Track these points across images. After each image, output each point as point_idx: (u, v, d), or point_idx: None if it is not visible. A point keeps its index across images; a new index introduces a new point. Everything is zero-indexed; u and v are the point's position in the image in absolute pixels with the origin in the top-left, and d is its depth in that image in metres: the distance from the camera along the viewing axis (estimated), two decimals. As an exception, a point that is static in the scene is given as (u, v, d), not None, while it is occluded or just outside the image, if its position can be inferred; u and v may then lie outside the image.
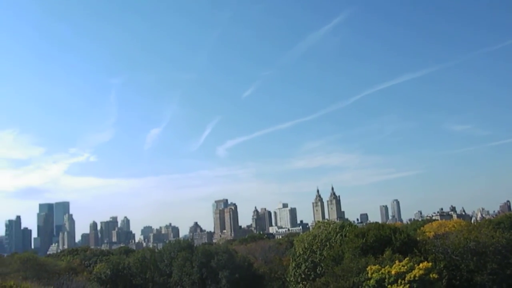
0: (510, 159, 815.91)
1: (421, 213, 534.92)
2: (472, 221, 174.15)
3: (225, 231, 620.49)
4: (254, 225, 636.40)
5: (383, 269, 52.03)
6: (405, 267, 51.62)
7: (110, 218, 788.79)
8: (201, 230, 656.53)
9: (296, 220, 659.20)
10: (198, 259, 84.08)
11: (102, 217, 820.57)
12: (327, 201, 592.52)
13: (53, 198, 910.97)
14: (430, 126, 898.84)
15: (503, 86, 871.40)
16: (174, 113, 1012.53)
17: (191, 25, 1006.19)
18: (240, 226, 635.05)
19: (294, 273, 70.57)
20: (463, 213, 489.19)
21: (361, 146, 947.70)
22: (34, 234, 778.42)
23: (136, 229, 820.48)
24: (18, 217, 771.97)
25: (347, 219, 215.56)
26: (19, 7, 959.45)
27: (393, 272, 51.22)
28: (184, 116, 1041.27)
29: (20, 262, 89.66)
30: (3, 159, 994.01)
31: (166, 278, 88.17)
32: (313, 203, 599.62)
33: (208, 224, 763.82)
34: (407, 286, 49.92)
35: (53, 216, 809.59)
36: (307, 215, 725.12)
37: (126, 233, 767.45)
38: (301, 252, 71.38)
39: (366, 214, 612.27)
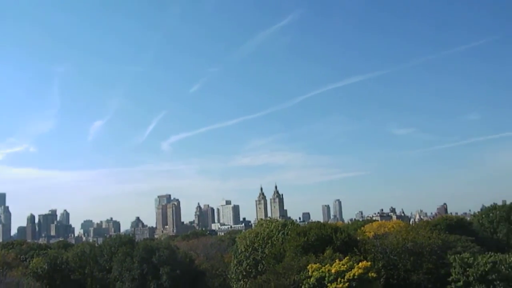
0: (449, 164, 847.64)
1: (362, 213, 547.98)
2: (411, 223, 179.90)
3: (167, 226, 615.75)
4: (196, 222, 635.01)
5: (323, 267, 53.38)
6: (345, 266, 53.13)
7: (49, 211, 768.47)
8: (143, 225, 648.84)
9: (239, 217, 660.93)
10: (139, 255, 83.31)
11: (40, 210, 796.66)
12: (270, 199, 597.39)
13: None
14: (375, 128, 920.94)
15: (444, 93, 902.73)
16: (119, 106, 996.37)
17: (139, 22, 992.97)
18: (183, 222, 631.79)
19: (235, 270, 71.21)
20: (403, 214, 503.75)
21: (307, 145, 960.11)
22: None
23: (76, 223, 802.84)
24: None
25: (289, 218, 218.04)
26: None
27: (333, 271, 52.61)
28: (129, 110, 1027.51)
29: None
30: None
31: (106, 274, 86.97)
32: (256, 201, 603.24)
33: (150, 219, 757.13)
34: (346, 284, 51.41)
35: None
36: (250, 213, 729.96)
37: (65, 227, 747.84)
38: (243, 250, 72.09)
39: (309, 213, 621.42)
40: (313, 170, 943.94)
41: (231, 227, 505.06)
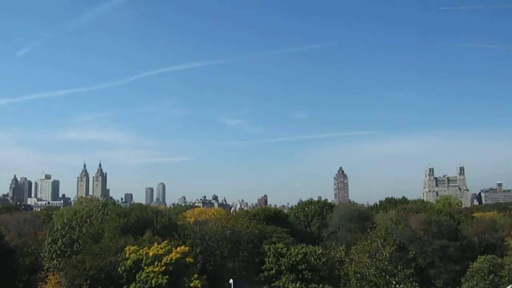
0: (274, 158, 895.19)
1: (185, 198, 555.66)
2: (232, 211, 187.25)
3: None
4: (11, 195, 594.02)
5: (141, 250, 53.84)
6: (163, 250, 54.15)
7: None
8: None
9: (58, 193, 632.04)
10: None
11: None
12: (93, 177, 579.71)
13: None
14: (206, 116, 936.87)
15: (276, 91, 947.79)
16: None
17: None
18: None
19: (49, 249, 68.50)
20: (224, 202, 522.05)
21: (136, 126, 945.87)
22: None
23: None
24: None
25: (111, 198, 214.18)
26: None
27: (150, 254, 53.32)
28: None
29: None
30: None
31: None
32: (78, 177, 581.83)
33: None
34: (163, 268, 52.48)
35: None
36: (71, 190, 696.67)
37: None
38: (59, 227, 69.65)
39: (131, 194, 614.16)
40: (140, 151, 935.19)
41: (48, 203, 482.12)
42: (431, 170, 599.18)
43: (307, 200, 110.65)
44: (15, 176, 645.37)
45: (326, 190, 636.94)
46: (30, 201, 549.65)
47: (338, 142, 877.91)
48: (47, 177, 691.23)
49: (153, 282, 51.66)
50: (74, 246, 65.52)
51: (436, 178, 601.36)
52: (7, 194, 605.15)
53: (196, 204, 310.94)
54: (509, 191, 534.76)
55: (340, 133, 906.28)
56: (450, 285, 64.92)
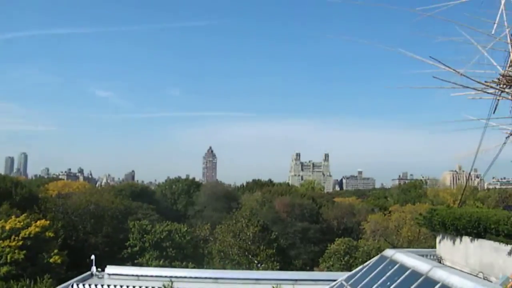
0: (143, 133, 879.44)
1: (48, 170, 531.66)
2: (97, 185, 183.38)
3: None
4: None
5: (-3, 223, 51.97)
6: (21, 223, 52.54)
7: None
8: None
9: None
10: None
11: None
12: None
13: None
14: (78, 86, 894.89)
15: (150, 65, 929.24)
16: None
17: None
18: None
19: None
20: (90, 176, 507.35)
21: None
22: None
23: None
24: None
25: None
26: None
27: (7, 227, 51.53)
28: None
29: None
30: None
31: None
32: None
33: None
34: (21, 242, 50.99)
35: None
36: None
37: None
38: None
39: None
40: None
41: None
42: (298, 155, 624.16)
43: (175, 178, 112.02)
44: None
45: (195, 169, 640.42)
46: None
47: (208, 122, 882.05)
48: None
49: (8, 258, 50.01)
50: None
51: (302, 163, 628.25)
52: None
53: (60, 177, 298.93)
54: (368, 178, 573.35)
55: (211, 112, 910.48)
56: (308, 265, 69.68)
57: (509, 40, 19.25)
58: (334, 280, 27.27)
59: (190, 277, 34.24)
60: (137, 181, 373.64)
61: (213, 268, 52.22)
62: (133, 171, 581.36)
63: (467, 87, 19.62)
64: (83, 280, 33.47)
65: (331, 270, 56.11)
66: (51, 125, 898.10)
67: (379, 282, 21.65)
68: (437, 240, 23.16)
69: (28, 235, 51.74)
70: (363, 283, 23.26)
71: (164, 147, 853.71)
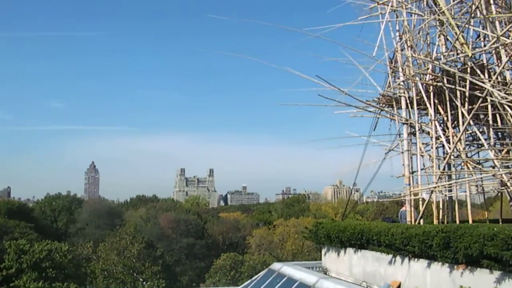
0: (19, 146, 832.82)
1: None
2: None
3: None
4: None
5: None
6: None
7: None
8: None
9: None
10: None
11: None
12: None
13: None
14: None
15: (30, 75, 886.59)
16: None
17: None
18: None
19: None
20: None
21: None
22: None
23: None
24: None
25: None
26: None
27: None
28: None
29: None
30: None
31: None
32: None
33: None
34: None
35: None
36: None
37: None
38: None
39: None
40: None
41: None
42: (183, 170, 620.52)
43: (55, 194, 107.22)
44: None
45: (77, 185, 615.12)
46: None
47: (91, 136, 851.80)
48: None
49: None
50: None
51: (187, 178, 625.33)
52: None
53: None
54: (252, 193, 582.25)
55: (94, 126, 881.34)
56: (195, 281, 69.33)
57: (388, 63, 20.62)
58: (222, 295, 27.42)
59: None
60: (14, 198, 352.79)
61: (97, 288, 50.50)
62: (8, 187, 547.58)
63: (350, 105, 20.75)
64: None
65: (217, 286, 56.25)
66: None
67: (268, 295, 22.05)
68: (323, 252, 24.00)
69: None
70: (252, 297, 23.57)
71: (44, 162, 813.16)
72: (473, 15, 17.25)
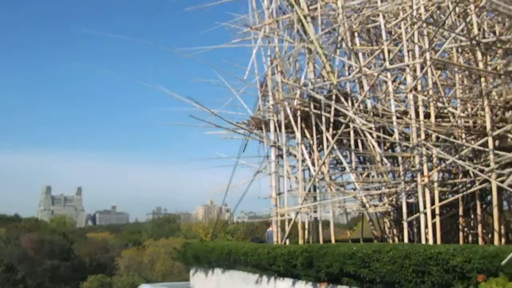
0: None
1: None
2: None
3: None
4: None
5: None
6: None
7: None
8: None
9: None
10: None
11: None
12: None
13: None
14: None
15: None
16: None
17: None
18: None
19: None
20: None
21: None
22: None
23: None
24: None
25: None
26: None
27: None
28: None
29: None
30: None
31: None
32: None
33: None
34: None
35: None
36: None
37: None
38: None
39: None
40: None
41: None
42: (49, 188, 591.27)
43: None
44: None
45: None
46: None
47: None
48: None
49: None
50: None
51: (53, 197, 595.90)
52: None
53: None
54: (122, 213, 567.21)
55: None
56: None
57: (258, 86, 21.14)
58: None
59: None
60: None
61: None
62: None
63: (220, 127, 20.97)
64: None
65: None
66: None
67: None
68: (191, 272, 23.85)
69: None
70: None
71: None
72: (339, 45, 18.21)
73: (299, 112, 19.00)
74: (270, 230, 20.96)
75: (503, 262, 8.85)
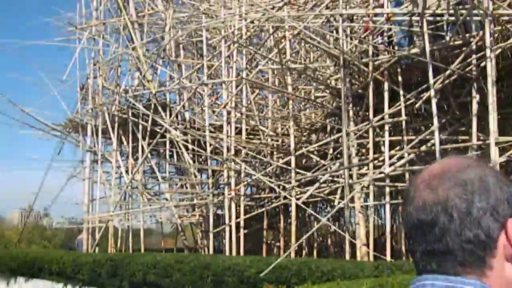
0: None
1: None
2: None
3: None
4: None
5: None
6: None
7: None
8: None
9: None
10: None
11: None
12: None
13: None
14: None
15: None
16: None
17: None
18: None
19: None
20: None
21: None
22: None
23: None
24: None
25: None
26: None
27: None
28: None
29: None
30: None
31: None
32: None
33: None
34: None
35: None
36: None
37: None
38: None
39: None
40: None
41: None
42: None
43: None
44: None
45: None
46: None
47: None
48: None
49: None
50: None
51: None
52: None
53: None
54: None
55: None
56: None
57: (79, 89, 20.45)
58: None
59: None
60: None
61: None
62: None
63: (34, 127, 19.86)
64: None
65: None
66: None
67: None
68: (-9, 281, 22.15)
69: None
70: None
71: None
72: (162, 55, 18.27)
73: (117, 118, 18.66)
74: (81, 237, 20.23)
75: (266, 272, 9.54)
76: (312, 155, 14.74)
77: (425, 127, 11.76)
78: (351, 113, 12.21)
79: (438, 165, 1.12)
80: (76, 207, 20.18)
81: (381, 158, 11.81)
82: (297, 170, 13.98)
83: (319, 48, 13.76)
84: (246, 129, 15.95)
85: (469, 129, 10.68)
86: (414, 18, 11.43)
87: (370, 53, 12.04)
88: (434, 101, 10.50)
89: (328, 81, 14.37)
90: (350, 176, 11.76)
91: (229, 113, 15.41)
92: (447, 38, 11.12)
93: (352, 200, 11.83)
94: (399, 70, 11.94)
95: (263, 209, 15.87)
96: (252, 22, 15.74)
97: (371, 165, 11.70)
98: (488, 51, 9.93)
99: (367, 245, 11.52)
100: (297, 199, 13.15)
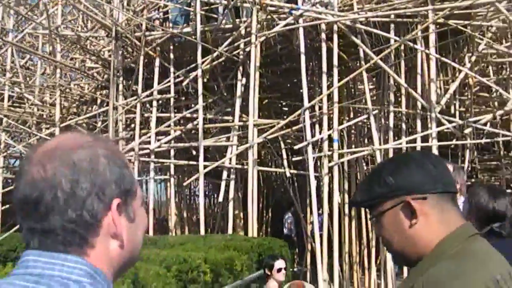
0: None
1: None
2: None
3: None
4: None
5: None
6: None
7: None
8: None
9: None
10: None
11: None
12: None
13: None
14: None
15: None
16: None
17: None
18: None
19: None
20: None
21: None
22: None
23: None
24: None
25: None
26: None
27: None
28: None
29: None
30: None
31: None
32: None
33: None
34: None
35: None
36: None
37: None
38: None
39: None
40: None
41: None
42: None
43: None
44: None
45: None
46: None
47: None
48: None
49: None
50: None
51: None
52: None
53: None
54: None
55: None
56: None
57: None
58: None
59: None
60: None
61: None
62: None
63: None
64: None
65: None
66: None
67: None
68: None
69: None
70: None
71: None
72: None
73: None
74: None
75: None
76: (80, 128, 14.05)
77: (194, 106, 11.87)
78: (120, 86, 11.89)
79: (54, 141, 1.08)
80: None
81: (148, 134, 11.71)
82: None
83: (93, 18, 13.13)
84: (12, 97, 14.71)
85: (234, 110, 11.07)
86: (191, -3, 11.48)
87: (144, 27, 11.80)
88: (200, 81, 10.70)
89: (101, 53, 13.83)
90: (117, 151, 11.43)
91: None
92: (219, 21, 11.36)
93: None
94: (171, 47, 11.92)
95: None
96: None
97: (137, 140, 11.51)
98: (253, 37, 10.36)
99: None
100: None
